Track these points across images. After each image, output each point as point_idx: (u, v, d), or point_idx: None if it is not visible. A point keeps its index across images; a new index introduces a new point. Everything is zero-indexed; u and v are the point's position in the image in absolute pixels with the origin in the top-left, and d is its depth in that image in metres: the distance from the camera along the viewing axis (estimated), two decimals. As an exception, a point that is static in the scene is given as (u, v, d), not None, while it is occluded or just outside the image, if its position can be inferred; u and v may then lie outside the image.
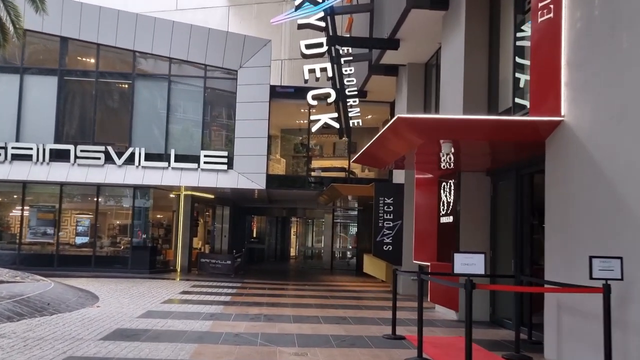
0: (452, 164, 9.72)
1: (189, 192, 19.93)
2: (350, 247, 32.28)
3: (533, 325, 8.18)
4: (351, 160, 9.98)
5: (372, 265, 16.00)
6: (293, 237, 36.37)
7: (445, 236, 11.10)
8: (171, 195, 20.12)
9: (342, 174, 20.00)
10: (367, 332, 8.57)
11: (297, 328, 8.59)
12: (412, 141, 7.40)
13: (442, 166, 10.06)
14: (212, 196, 21.26)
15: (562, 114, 6.57)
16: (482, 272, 5.20)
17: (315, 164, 21.45)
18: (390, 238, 14.57)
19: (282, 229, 33.31)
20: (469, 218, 10.23)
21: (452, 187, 10.57)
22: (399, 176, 15.30)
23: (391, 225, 14.60)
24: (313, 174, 19.99)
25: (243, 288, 14.85)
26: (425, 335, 7.97)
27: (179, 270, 19.85)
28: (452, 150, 7.40)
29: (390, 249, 14.54)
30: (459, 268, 5.24)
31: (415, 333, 8.50)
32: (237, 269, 19.95)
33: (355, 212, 27.92)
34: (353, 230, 33.64)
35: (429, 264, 10.77)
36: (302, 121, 21.04)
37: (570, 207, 6.44)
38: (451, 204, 10.64)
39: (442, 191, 11.16)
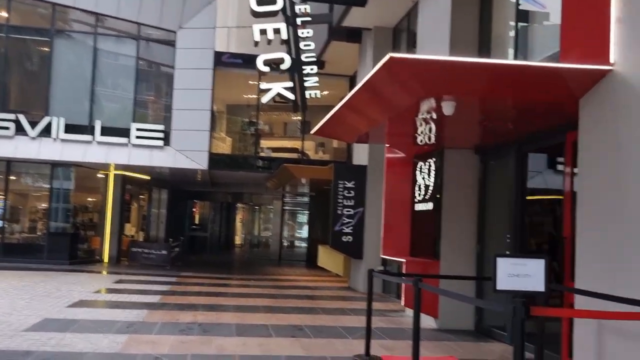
0: (433, 138, 7.88)
1: (120, 172, 17.44)
2: (301, 236, 30.41)
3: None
4: (313, 131, 7.96)
5: (328, 258, 14.13)
6: (239, 225, 34.08)
7: (421, 227, 9.29)
8: (99, 175, 17.57)
9: (294, 156, 17.97)
10: (331, 350, 6.63)
11: (240, 345, 6.56)
12: (403, 96, 5.48)
13: (419, 140, 8.20)
14: (148, 177, 18.83)
15: (612, 60, 4.78)
16: (541, 288, 3.33)
17: (265, 144, 19.30)
18: (350, 228, 12.70)
19: (227, 215, 31.00)
20: (453, 205, 8.44)
21: (433, 168, 8.75)
22: (360, 157, 13.42)
23: (351, 213, 12.73)
24: (262, 154, 17.86)
25: (178, 284, 12.65)
26: (406, 350, 6.17)
27: (106, 260, 17.38)
28: (452, 111, 5.51)
29: (350, 240, 12.68)
30: (505, 282, 3.32)
31: (392, 350, 6.66)
32: (174, 260, 17.66)
33: (307, 199, 26.02)
34: (304, 218, 31.77)
35: (402, 260, 8.94)
36: (251, 96, 18.82)
37: (620, 191, 4.67)
38: (430, 188, 8.83)
39: (418, 173, 9.33)
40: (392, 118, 6.74)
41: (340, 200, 12.70)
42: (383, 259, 12.48)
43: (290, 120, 21.93)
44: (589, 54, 5.04)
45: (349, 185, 12.74)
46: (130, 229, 20.90)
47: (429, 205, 8.85)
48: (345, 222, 12.68)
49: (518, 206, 7.44)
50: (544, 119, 6.21)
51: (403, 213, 9.67)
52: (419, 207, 9.26)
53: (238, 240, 33.37)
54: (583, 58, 5.02)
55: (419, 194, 9.25)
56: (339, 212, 12.68)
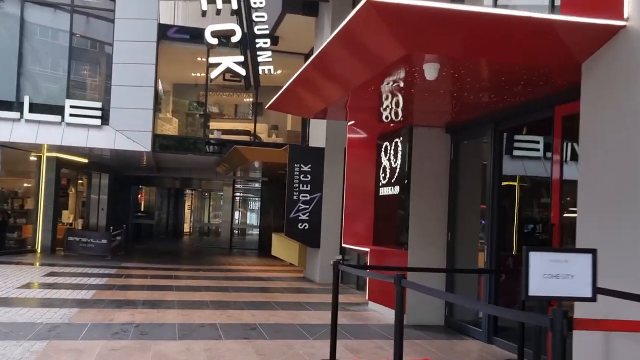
0: (400, 114, 7.09)
1: (54, 154, 15.94)
2: (253, 224, 29.36)
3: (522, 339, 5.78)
4: (269, 104, 6.99)
5: (282, 246, 13.25)
6: (187, 212, 32.74)
7: (385, 213, 8.52)
8: (31, 158, 16.01)
9: (245, 138, 16.90)
10: (290, 354, 5.75)
11: (184, 352, 5.60)
12: (377, 56, 4.59)
13: (385, 117, 7.40)
14: (86, 160, 17.35)
15: (625, 15, 4.06)
16: (588, 293, 2.53)
17: (215, 126, 18.15)
18: (307, 214, 11.84)
19: (175, 202, 29.65)
20: (422, 189, 7.69)
21: (400, 148, 7.97)
22: (317, 139, 12.54)
23: (308, 198, 11.86)
24: (211, 136, 16.72)
25: (118, 276, 11.48)
26: (374, 352, 5.41)
27: (39, 251, 15.91)
28: (435, 75, 4.68)
29: (306, 228, 11.82)
30: (539, 285, 2.48)
31: (359, 352, 5.85)
32: (116, 250, 16.38)
33: (259, 185, 25.01)
34: (256, 205, 30.73)
35: (365, 249, 8.15)
36: (199, 74, 17.59)
37: (634, 169, 3.97)
38: (397, 171, 8.05)
39: (383, 154, 8.54)
40: (357, 88, 5.88)
41: (296, 185, 11.80)
42: (343, 248, 11.71)
43: (241, 101, 20.81)
44: (596, 6, 4.30)
45: (305, 168, 11.86)
46: (68, 217, 19.38)
47: (395, 190, 8.07)
48: (301, 208, 11.81)
49: (494, 191, 6.75)
50: (528, 90, 5.48)
51: (366, 198, 8.88)
52: (383, 191, 8.48)
53: (187, 228, 32.03)
54: (589, 11, 4.27)
55: (384, 177, 8.47)
56: (295, 197, 11.79)
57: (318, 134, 12.54)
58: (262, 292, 10.15)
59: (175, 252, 19.68)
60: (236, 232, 25.27)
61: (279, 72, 16.38)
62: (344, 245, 8.82)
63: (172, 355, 5.42)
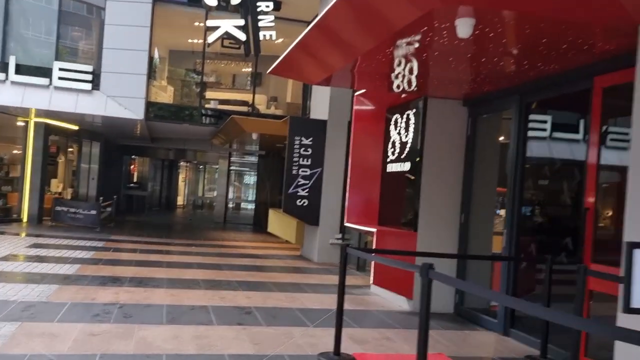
0: (415, 83, 6.45)
1: (42, 119, 15.21)
2: (248, 199, 28.76)
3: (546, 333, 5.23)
4: (271, 68, 6.28)
5: (279, 223, 12.67)
6: (181, 185, 32.09)
7: (393, 191, 7.92)
8: (18, 123, 15.27)
9: (243, 109, 16.19)
10: (290, 346, 5.19)
11: (171, 339, 5.02)
12: (405, 8, 3.93)
13: (396, 86, 6.75)
14: (76, 127, 16.62)
15: None
16: None
17: (211, 95, 17.40)
18: (307, 190, 11.23)
19: (169, 174, 28.96)
20: (435, 166, 7.09)
21: (412, 121, 7.33)
22: (319, 111, 11.87)
23: (308, 173, 11.24)
24: (208, 106, 15.99)
25: (105, 250, 10.89)
26: (381, 343, 4.85)
27: (25, 220, 15.29)
28: (470, 33, 4.03)
29: (305, 204, 11.23)
30: None
31: (364, 343, 5.28)
32: (105, 221, 15.79)
33: (256, 159, 24.37)
34: (252, 179, 30.10)
35: (371, 229, 7.56)
36: (196, 40, 16.77)
37: None
38: (407, 146, 7.42)
39: (392, 127, 7.90)
40: (369, 52, 5.22)
41: (295, 159, 11.17)
42: (343, 227, 11.13)
43: (239, 71, 20.03)
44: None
45: (306, 142, 11.21)
46: (57, 186, 18.71)
47: (405, 166, 7.45)
48: (300, 183, 11.19)
49: (517, 171, 6.14)
50: (567, 56, 4.83)
51: (372, 175, 8.27)
52: (391, 168, 7.86)
53: (180, 201, 31.42)
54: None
55: (393, 153, 7.84)
56: (294, 172, 11.16)
57: (320, 105, 11.86)
58: (257, 271, 9.59)
59: (168, 226, 19.10)
60: (231, 206, 24.71)
61: (280, 40, 15.61)
62: (346, 224, 8.23)
63: (158, 343, 4.85)
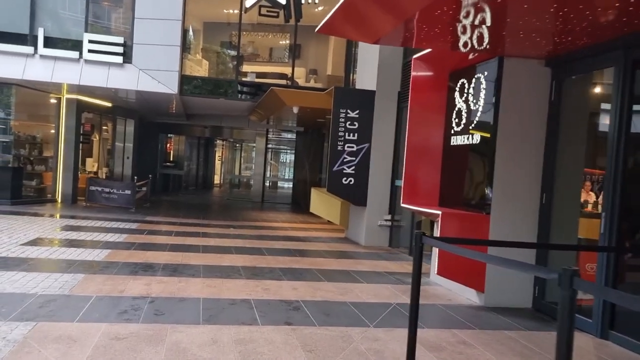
0: (487, 39, 5.39)
1: (74, 96, 14.65)
2: (286, 177, 28.07)
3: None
4: (320, 27, 5.30)
5: (322, 203, 11.79)
6: (218, 163, 31.58)
7: (457, 168, 6.91)
8: (51, 100, 14.75)
9: (281, 82, 15.28)
10: (349, 352, 4.32)
11: (209, 345, 4.22)
12: None
13: (462, 44, 5.70)
14: (109, 104, 16.04)
15: None
16: None
17: (248, 69, 16.53)
18: (353, 168, 10.30)
19: (205, 152, 28.42)
20: (510, 139, 6.05)
21: (482, 86, 6.29)
22: (365, 82, 10.86)
23: (355, 149, 10.30)
24: (244, 79, 15.14)
25: (139, 232, 10.25)
26: (459, 350, 3.90)
27: (59, 201, 14.85)
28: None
29: (351, 183, 10.31)
30: None
31: (440, 350, 4.39)
32: (141, 202, 15.25)
33: (293, 136, 23.56)
34: (290, 157, 29.40)
35: (432, 211, 6.59)
36: (232, 11, 15.89)
37: None
38: (477, 116, 6.40)
39: (457, 95, 6.87)
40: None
41: (341, 134, 10.23)
42: (393, 207, 10.20)
43: (277, 44, 19.07)
44: None
45: (353, 115, 10.24)
46: (92, 165, 18.29)
47: (473, 139, 6.44)
48: (346, 160, 10.27)
49: (620, 143, 5.05)
50: None
51: (432, 150, 7.27)
52: (456, 141, 6.85)
53: (217, 180, 30.93)
54: None
55: (458, 124, 6.82)
56: (340, 148, 10.23)
57: (367, 75, 10.84)
58: (301, 257, 8.75)
59: (205, 206, 18.49)
60: (268, 185, 24.01)
61: (320, 8, 14.63)
62: (402, 205, 7.27)
63: (193, 350, 4.04)
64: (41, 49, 12.27)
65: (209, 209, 17.30)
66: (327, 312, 5.40)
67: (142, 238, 9.47)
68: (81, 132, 16.36)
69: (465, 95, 6.67)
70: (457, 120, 6.84)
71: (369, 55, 10.84)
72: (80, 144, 15.97)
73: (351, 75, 14.02)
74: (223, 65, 17.05)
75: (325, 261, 8.44)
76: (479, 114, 6.34)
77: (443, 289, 6.87)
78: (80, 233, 9.51)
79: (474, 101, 6.45)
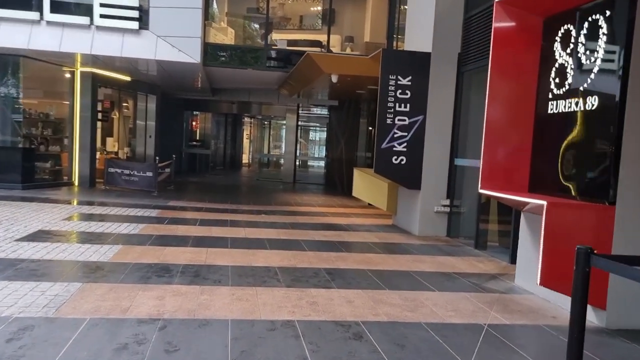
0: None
1: (89, 69, 13.36)
2: (318, 155, 26.62)
3: None
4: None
5: (366, 186, 10.31)
6: (246, 142, 30.27)
7: (557, 143, 5.30)
8: (65, 75, 13.50)
9: (315, 50, 13.71)
10: None
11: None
12: None
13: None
14: (128, 78, 14.73)
15: None
16: None
17: (277, 37, 15.00)
18: (405, 144, 8.75)
19: (233, 130, 27.13)
20: (644, 102, 4.43)
21: (602, 31, 4.65)
22: (417, 43, 9.23)
23: (407, 123, 8.73)
24: (274, 47, 13.63)
25: (159, 220, 8.93)
26: None
27: (76, 183, 13.68)
28: None
29: (403, 163, 8.78)
30: None
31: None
32: (164, 184, 14.02)
33: (326, 112, 22.03)
34: (322, 134, 27.96)
35: (533, 201, 5.02)
36: (259, -29, 14.35)
37: None
38: (591, 73, 4.77)
39: (559, 47, 5.24)
40: None
41: (390, 105, 8.67)
42: (452, 192, 8.66)
43: (308, 10, 17.45)
44: None
45: (404, 82, 8.66)
46: (112, 145, 17.10)
47: (585, 104, 4.82)
48: (397, 136, 8.72)
49: None
50: None
51: (520, 121, 5.67)
52: (556, 107, 5.24)
53: (245, 159, 29.65)
54: None
55: (559, 85, 5.19)
56: (389, 121, 8.68)
57: (419, 36, 9.21)
58: (348, 252, 7.29)
59: (233, 188, 17.16)
60: (299, 164, 22.62)
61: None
62: (481, 191, 5.72)
63: None
64: (48, 15, 10.94)
65: (238, 192, 15.97)
66: (399, 342, 3.94)
67: (161, 229, 8.13)
68: (100, 109, 15.16)
69: (571, 46, 5.04)
70: (557, 80, 5.22)
71: (420, 13, 9.20)
72: (98, 122, 14.75)
73: (395, 41, 12.37)
74: (250, 34, 15.54)
75: (378, 258, 6.97)
76: (595, 69, 4.72)
77: (539, 300, 5.34)
78: (90, 223, 8.22)
79: (586, 54, 4.83)
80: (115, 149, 16.88)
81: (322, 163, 23.72)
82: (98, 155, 15.33)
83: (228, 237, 7.81)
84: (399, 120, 8.71)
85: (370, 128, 14.14)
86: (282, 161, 22.09)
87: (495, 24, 5.71)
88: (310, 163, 27.19)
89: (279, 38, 14.83)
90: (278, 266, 6.12)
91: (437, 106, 8.76)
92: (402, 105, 8.69)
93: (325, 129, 23.70)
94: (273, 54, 13.07)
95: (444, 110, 8.79)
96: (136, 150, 17.17)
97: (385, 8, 13.83)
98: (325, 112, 22.40)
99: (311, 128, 28.63)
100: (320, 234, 8.57)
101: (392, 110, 8.68)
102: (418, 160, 8.81)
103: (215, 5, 15.16)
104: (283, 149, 22.24)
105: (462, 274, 6.25)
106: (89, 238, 7.09)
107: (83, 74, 13.39)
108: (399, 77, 8.64)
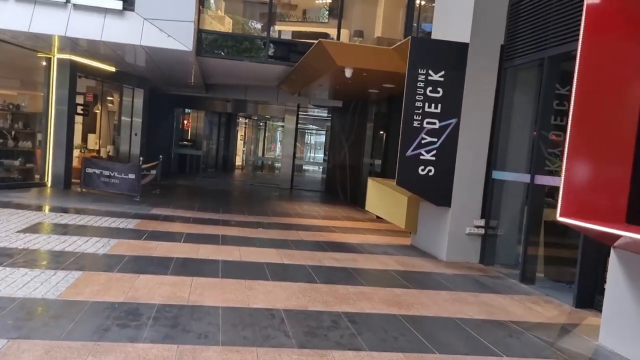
0: None
1: (66, 56, 11.83)
2: (317, 160, 25.18)
3: None
4: None
5: (382, 199, 8.86)
6: (240, 143, 28.75)
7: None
8: (42, 62, 11.96)
9: (323, 44, 12.24)
10: None
11: None
12: None
13: None
14: (112, 68, 13.20)
15: None
16: None
17: (280, 28, 13.55)
18: (434, 152, 7.31)
19: (226, 131, 25.62)
20: None
21: None
22: (449, 31, 7.77)
23: (437, 127, 7.30)
24: (277, 37, 12.20)
25: (136, 235, 7.42)
26: None
27: (49, 184, 12.13)
28: None
29: (431, 174, 7.33)
30: None
31: None
32: (149, 187, 12.52)
33: (326, 113, 20.65)
34: (320, 138, 26.60)
35: (635, 236, 3.58)
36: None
37: None
38: None
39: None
40: None
41: (418, 105, 7.22)
42: (487, 211, 7.23)
43: (312, 2, 16.02)
44: None
45: (436, 77, 7.22)
46: (94, 142, 15.57)
47: None
48: (425, 142, 7.27)
49: None
50: None
51: (620, 127, 4.24)
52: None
53: (238, 161, 28.13)
54: None
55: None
56: (416, 124, 7.23)
57: (453, 24, 7.78)
58: (370, 285, 5.81)
59: (225, 193, 15.65)
60: (297, 169, 21.17)
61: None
62: (561, 219, 4.27)
63: None
64: (17, -10, 9.41)
65: (230, 198, 14.47)
66: None
67: (137, 247, 6.62)
68: (81, 102, 13.63)
69: None
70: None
71: (455, -4, 7.78)
72: (78, 117, 13.23)
73: (414, 32, 10.96)
74: (250, 24, 14.08)
75: (408, 295, 5.50)
76: None
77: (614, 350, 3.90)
78: (50, 238, 6.70)
79: None
80: (97, 147, 15.35)
81: (320, 168, 22.35)
82: (77, 153, 13.81)
83: (219, 259, 6.32)
84: (427, 123, 7.26)
85: (382, 132, 12.69)
86: (278, 165, 20.61)
87: (588, 1, 4.26)
88: (308, 168, 25.76)
89: (282, 29, 13.38)
90: (284, 308, 4.65)
91: (474, 108, 7.33)
92: (432, 105, 7.24)
93: (323, 131, 22.32)
94: (275, 45, 11.60)
95: (482, 112, 7.36)
96: (120, 149, 15.63)
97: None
98: (326, 113, 21.01)
99: (310, 130, 27.20)
100: (330, 257, 7.10)
101: (420, 111, 7.23)
102: (449, 171, 7.37)
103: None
104: (280, 152, 20.76)
105: (522, 325, 4.80)
106: (41, 260, 5.58)
107: (60, 61, 11.85)
108: (430, 71, 7.20)
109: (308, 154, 26.47)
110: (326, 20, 14.84)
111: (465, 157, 7.37)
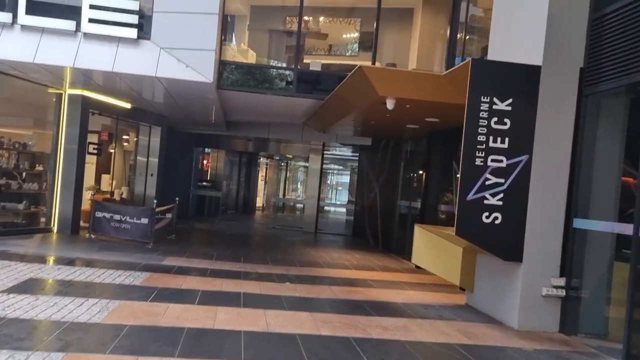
0: None
1: (78, 91, 10.94)
2: (344, 203, 23.95)
3: None
4: None
5: (432, 251, 7.56)
6: (261, 184, 27.67)
7: None
8: (53, 99, 11.09)
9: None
10: None
11: None
12: None
13: None
14: (127, 104, 12.29)
15: None
16: None
17: (310, 59, 12.57)
18: (501, 196, 6.04)
19: (247, 171, 24.59)
20: None
21: None
22: (513, 52, 6.59)
23: (504, 165, 6.06)
24: (309, 67, 11.18)
25: (142, 295, 6.21)
26: None
27: (55, 230, 11.06)
28: None
29: (498, 222, 6.04)
30: None
31: None
32: (163, 232, 11.42)
33: (352, 152, 19.55)
34: (345, 177, 25.45)
35: None
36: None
37: None
38: None
39: None
40: None
41: (481, 139, 6.01)
42: (568, 266, 5.89)
43: (340, 34, 15.06)
44: None
45: (502, 106, 6.04)
46: (108, 184, 14.60)
47: None
48: (490, 183, 6.03)
49: None
50: None
51: None
52: None
53: (259, 202, 26.98)
54: None
55: None
56: (479, 162, 6.01)
57: (518, 40, 6.63)
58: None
59: (246, 238, 14.44)
60: (323, 212, 19.95)
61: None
62: None
63: None
64: (22, 17, 8.54)
65: (252, 244, 13.25)
66: None
67: (140, 313, 5.40)
68: (95, 141, 12.73)
69: None
70: None
71: (522, 11, 6.65)
72: (89, 156, 12.28)
73: (459, 58, 9.84)
74: (275, 57, 13.16)
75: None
76: None
77: None
78: (38, 300, 5.52)
79: None
80: (111, 189, 14.36)
81: (345, 209, 21.14)
82: (89, 195, 12.81)
83: (240, 330, 5.07)
84: (492, 161, 6.03)
85: (422, 172, 11.46)
86: (302, 206, 19.43)
87: None
88: (330, 209, 24.52)
89: (310, 61, 12.38)
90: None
91: (549, 142, 6.09)
92: (499, 139, 6.03)
93: (348, 171, 21.19)
94: (304, 76, 10.55)
95: (559, 148, 6.12)
96: (135, 190, 14.61)
97: (438, 28, 11.45)
98: (350, 152, 19.90)
99: (336, 170, 26.09)
100: (377, 325, 5.79)
101: (484, 146, 6.02)
102: (519, 218, 6.09)
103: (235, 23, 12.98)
104: (303, 193, 19.60)
105: None
106: (17, 334, 4.39)
107: (72, 97, 10.97)
108: (495, 99, 6.02)
109: (334, 195, 25.24)
110: (356, 53, 13.88)
111: (539, 202, 6.08)
